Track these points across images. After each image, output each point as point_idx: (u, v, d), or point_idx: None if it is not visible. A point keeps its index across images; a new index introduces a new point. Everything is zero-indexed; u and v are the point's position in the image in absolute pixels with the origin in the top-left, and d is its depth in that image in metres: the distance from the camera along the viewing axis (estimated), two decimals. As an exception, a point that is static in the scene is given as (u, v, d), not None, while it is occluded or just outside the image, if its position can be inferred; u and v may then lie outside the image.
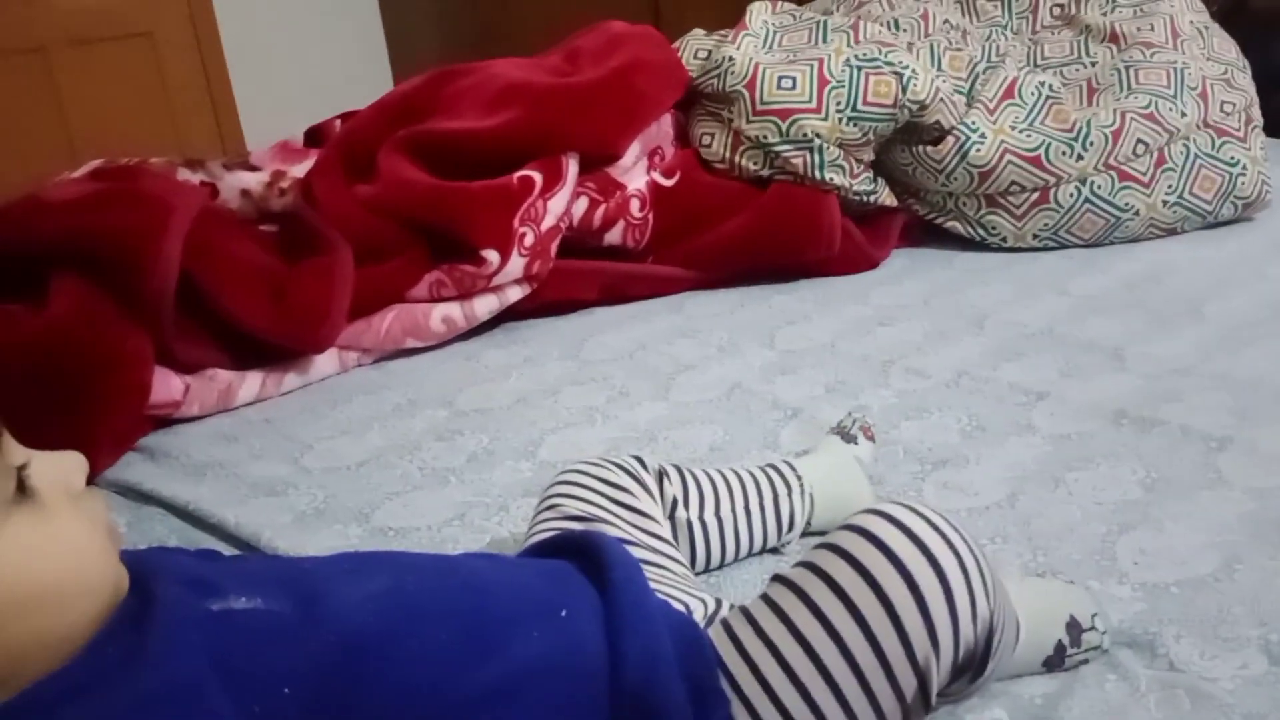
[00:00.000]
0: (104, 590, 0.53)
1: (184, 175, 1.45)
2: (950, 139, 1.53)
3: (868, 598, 0.59)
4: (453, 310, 1.38)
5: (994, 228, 1.58)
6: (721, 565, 0.87)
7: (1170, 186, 1.55)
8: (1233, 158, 1.57)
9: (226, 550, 0.92)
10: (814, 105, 1.52)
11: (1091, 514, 0.91)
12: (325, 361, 1.33)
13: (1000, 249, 1.58)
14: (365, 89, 1.91)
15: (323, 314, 1.29)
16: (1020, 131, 1.53)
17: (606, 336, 1.38)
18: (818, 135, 1.52)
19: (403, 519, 0.99)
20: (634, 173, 1.55)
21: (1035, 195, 1.54)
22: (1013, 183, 1.53)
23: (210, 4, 2.97)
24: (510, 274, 1.39)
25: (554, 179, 1.43)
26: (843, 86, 1.52)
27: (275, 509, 1.02)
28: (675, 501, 0.83)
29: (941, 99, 1.54)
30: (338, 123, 1.65)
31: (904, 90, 1.52)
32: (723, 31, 1.73)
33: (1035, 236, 1.57)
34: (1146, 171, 1.54)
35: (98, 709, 0.49)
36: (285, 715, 0.52)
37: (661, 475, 0.84)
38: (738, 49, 1.60)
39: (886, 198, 1.62)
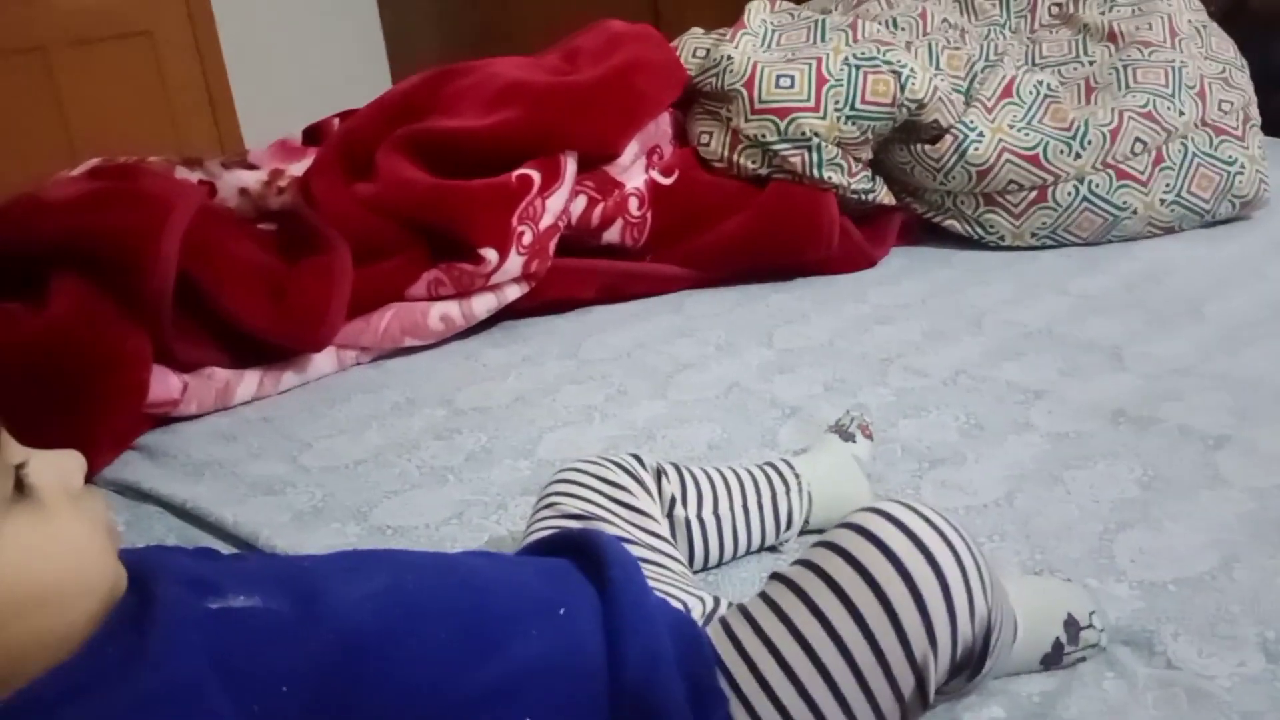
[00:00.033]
0: (103, 589, 0.53)
1: (182, 174, 1.45)
2: (948, 138, 1.53)
3: (866, 596, 0.59)
4: (451, 309, 1.38)
5: (992, 226, 1.58)
6: (720, 563, 0.87)
7: (1168, 185, 1.55)
8: (1231, 156, 1.57)
9: (225, 549, 0.92)
10: (812, 104, 1.52)
11: (1089, 512, 0.91)
12: (323, 360, 1.33)
13: (998, 247, 1.58)
14: (364, 89, 1.91)
15: (321, 313, 1.29)
16: (1018, 130, 1.53)
17: (605, 335, 1.38)
18: (816, 134, 1.52)
19: (401, 517, 0.99)
20: (632, 171, 1.55)
21: (1033, 194, 1.54)
22: (1011, 181, 1.53)
23: (208, 3, 2.97)
24: (508, 272, 1.39)
25: (552, 178, 1.43)
26: (841, 85, 1.52)
27: (273, 508, 1.02)
28: (673, 500, 0.83)
29: (940, 98, 1.54)
30: (336, 121, 1.65)
31: (902, 89, 1.52)
32: (721, 30, 1.73)
33: (1033, 235, 1.57)
34: (1144, 170, 1.54)
35: (97, 709, 0.49)
36: (285, 714, 0.52)
37: (660, 473, 0.84)
38: (736, 48, 1.60)
39: (885, 196, 1.62)
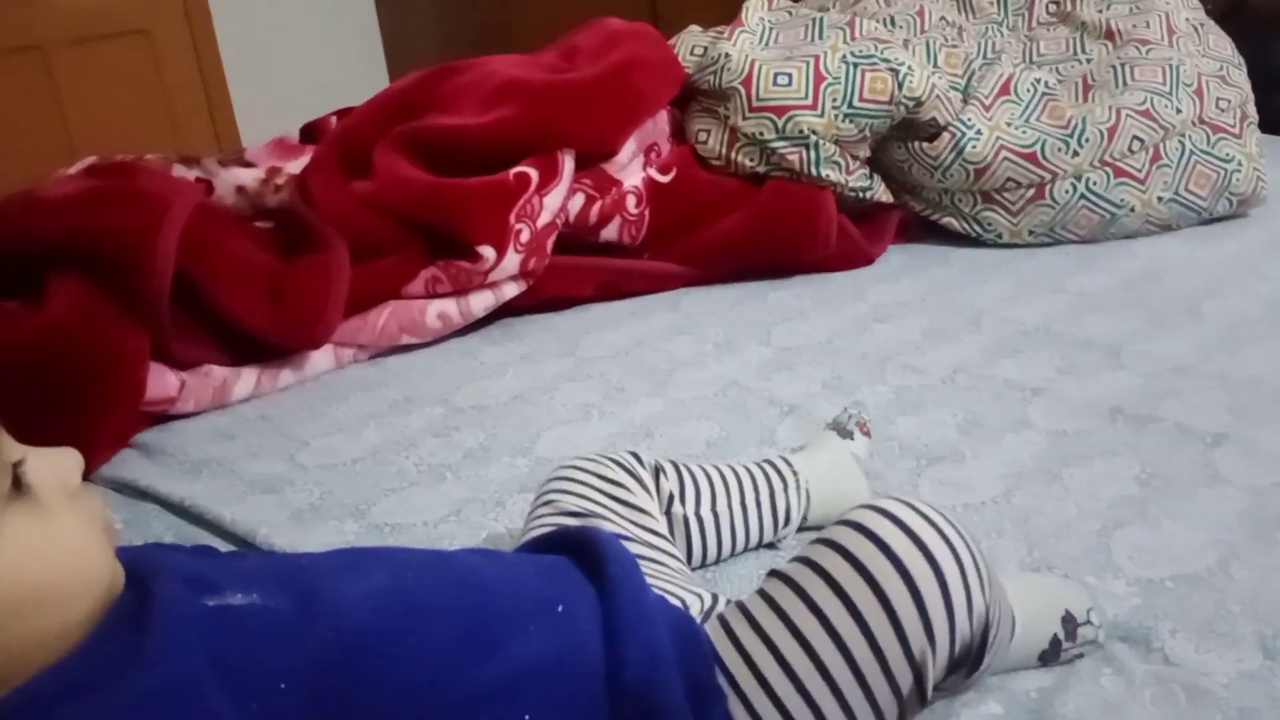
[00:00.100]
0: (101, 587, 0.53)
1: (179, 172, 1.45)
2: (946, 135, 1.53)
3: (864, 593, 0.59)
4: (449, 307, 1.38)
5: (990, 224, 1.58)
6: (718, 561, 0.87)
7: (1165, 183, 1.55)
8: (1228, 154, 1.57)
9: (223, 547, 0.92)
10: (810, 102, 1.52)
11: (1087, 510, 0.91)
12: (321, 358, 1.33)
13: (996, 245, 1.58)
14: (362, 87, 1.91)
15: (318, 311, 1.29)
16: (1016, 128, 1.53)
17: (603, 333, 1.38)
18: (814, 132, 1.52)
19: (399, 515, 0.99)
20: (630, 169, 1.55)
21: (1031, 191, 1.54)
22: (1008, 179, 1.54)
23: (205, 2, 2.97)
24: (506, 270, 1.38)
25: (550, 175, 1.43)
26: (839, 83, 1.52)
27: (272, 506, 1.02)
28: (672, 497, 0.83)
29: (937, 95, 1.54)
30: (333, 119, 1.65)
31: (900, 87, 1.52)
32: (719, 28, 1.73)
33: (1031, 233, 1.57)
34: (1142, 168, 1.55)
35: (96, 708, 0.49)
36: (283, 712, 0.52)
37: (658, 471, 0.84)
38: (734, 46, 1.60)
39: (883, 194, 1.62)
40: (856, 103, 1.52)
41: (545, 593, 0.63)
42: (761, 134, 1.53)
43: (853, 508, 0.63)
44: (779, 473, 0.90)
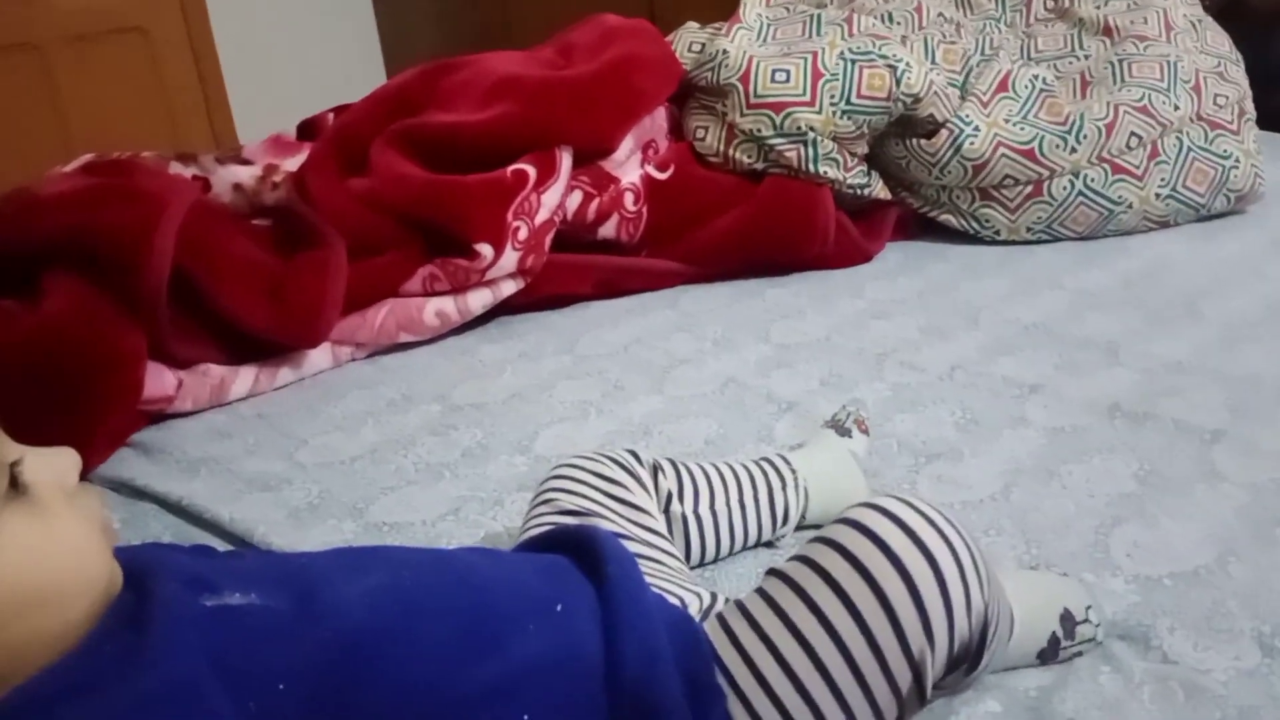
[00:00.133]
0: (99, 587, 0.53)
1: (176, 169, 1.45)
2: (944, 132, 1.53)
3: (863, 592, 0.59)
4: (446, 304, 1.38)
5: (988, 221, 1.58)
6: (716, 559, 0.87)
7: (1163, 179, 1.55)
8: (1226, 151, 1.57)
9: (221, 546, 0.92)
10: (808, 98, 1.52)
11: (1085, 507, 0.91)
12: (319, 356, 1.33)
13: (994, 242, 1.58)
14: (360, 85, 1.90)
15: (316, 309, 1.29)
16: (1014, 125, 1.53)
17: (601, 331, 1.38)
18: (812, 128, 1.52)
19: (397, 514, 0.99)
20: (628, 166, 1.54)
21: (1029, 188, 1.54)
22: (1006, 176, 1.53)
23: (203, 0, 2.96)
24: (504, 268, 1.38)
25: (548, 173, 1.43)
26: (837, 80, 1.52)
27: (270, 504, 1.02)
28: (670, 495, 0.83)
29: (935, 92, 1.54)
30: (330, 116, 1.64)
31: (898, 83, 1.52)
32: (717, 25, 1.73)
33: (1029, 229, 1.57)
34: (1140, 164, 1.55)
35: (96, 708, 0.49)
36: (282, 712, 0.52)
37: (656, 469, 0.84)
38: (732, 42, 1.60)
39: (880, 191, 1.62)
40: (854, 99, 1.52)
41: (544, 591, 0.63)
42: (759, 131, 1.53)
43: (851, 506, 0.63)
44: (777, 471, 0.90)
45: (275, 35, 3.13)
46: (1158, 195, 1.55)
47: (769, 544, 0.89)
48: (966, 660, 0.61)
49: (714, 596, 0.71)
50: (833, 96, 1.52)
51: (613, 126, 1.51)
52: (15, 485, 0.51)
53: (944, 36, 1.71)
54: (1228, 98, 1.61)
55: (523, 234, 1.39)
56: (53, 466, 0.54)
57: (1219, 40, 1.72)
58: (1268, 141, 1.72)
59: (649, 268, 1.52)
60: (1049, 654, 0.72)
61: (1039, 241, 1.58)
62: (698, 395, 1.18)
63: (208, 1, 2.97)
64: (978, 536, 0.86)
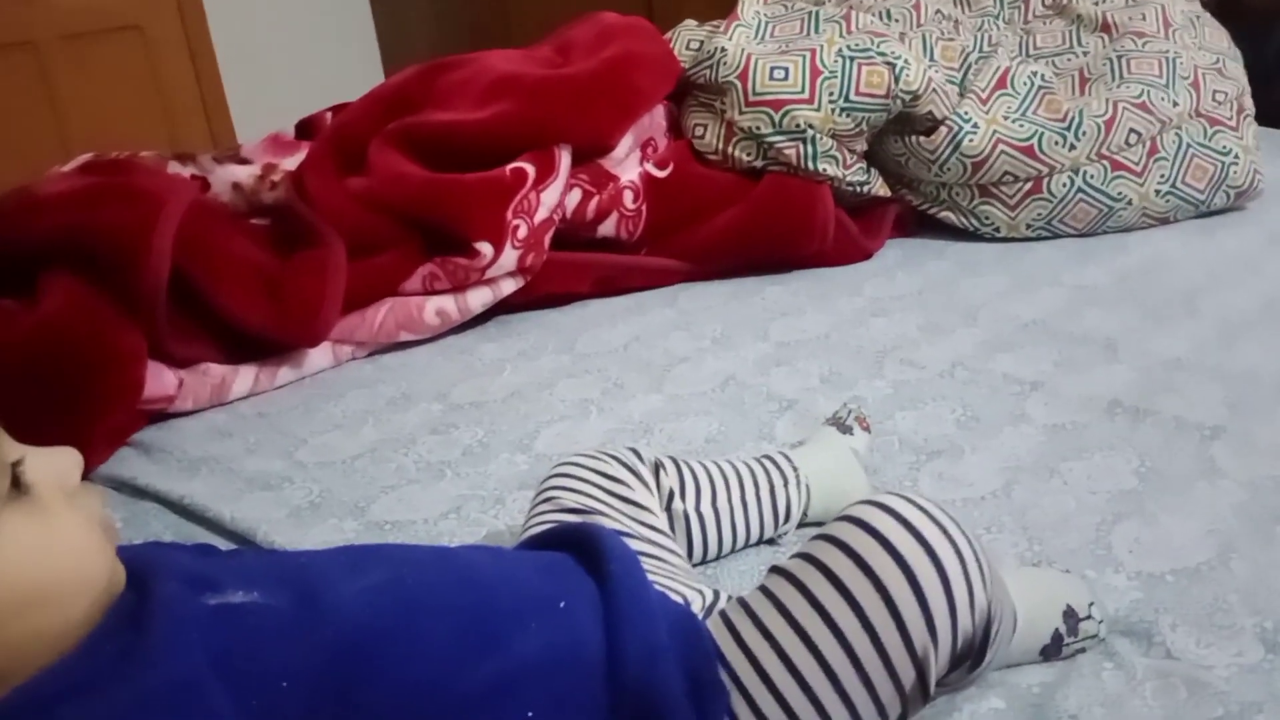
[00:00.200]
0: (101, 587, 0.53)
1: (175, 168, 1.44)
2: (943, 129, 1.53)
3: (865, 589, 0.59)
4: (446, 303, 1.38)
5: (987, 218, 1.58)
6: (718, 557, 0.87)
7: (1163, 176, 1.55)
8: (1225, 147, 1.57)
9: (223, 545, 0.92)
10: (806, 96, 1.52)
11: (1086, 504, 0.91)
12: (319, 355, 1.33)
13: (993, 239, 1.59)
14: (358, 84, 1.90)
15: (315, 308, 1.29)
16: (1013, 121, 1.53)
17: (601, 329, 1.38)
18: (810, 126, 1.51)
19: (398, 513, 0.99)
20: (627, 164, 1.54)
21: (1028, 185, 1.54)
22: (1005, 173, 1.54)
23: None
24: (503, 266, 1.38)
25: (547, 171, 1.43)
26: (835, 77, 1.52)
27: (270, 503, 1.01)
28: (671, 493, 0.83)
29: (934, 89, 1.54)
30: (329, 115, 1.64)
31: (896, 80, 1.52)
32: (715, 22, 1.72)
33: (1028, 226, 1.57)
34: (1139, 161, 1.55)
35: (96, 708, 0.49)
36: (285, 710, 0.52)
37: (657, 467, 0.84)
38: (730, 40, 1.60)
39: (880, 188, 1.62)
40: (853, 96, 1.52)
41: (546, 589, 0.63)
42: (758, 128, 1.53)
43: (853, 503, 0.63)
44: (779, 468, 0.90)
45: (273, 34, 3.13)
46: (1157, 192, 1.55)
47: (771, 541, 0.89)
48: (970, 657, 0.61)
49: (716, 594, 0.71)
50: (831, 94, 1.52)
51: (611, 125, 1.51)
52: (17, 485, 0.51)
53: (942, 33, 1.71)
54: (1226, 94, 1.61)
55: (522, 232, 1.39)
56: (54, 466, 0.53)
57: (1217, 36, 1.72)
58: (1266, 137, 1.72)
59: (648, 266, 1.52)
60: (1052, 651, 0.73)
61: (1038, 238, 1.58)
62: (698, 393, 1.18)
63: (205, 0, 2.96)
64: (979, 534, 0.86)
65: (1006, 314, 1.32)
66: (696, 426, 1.10)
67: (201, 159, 1.48)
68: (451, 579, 0.63)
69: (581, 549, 0.67)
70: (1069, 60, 1.68)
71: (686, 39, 1.68)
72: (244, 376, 1.27)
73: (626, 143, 1.54)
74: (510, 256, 1.38)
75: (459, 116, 1.46)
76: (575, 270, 1.48)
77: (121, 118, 2.83)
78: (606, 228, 1.51)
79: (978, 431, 1.04)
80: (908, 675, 0.58)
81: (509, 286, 1.41)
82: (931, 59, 1.63)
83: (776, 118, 1.52)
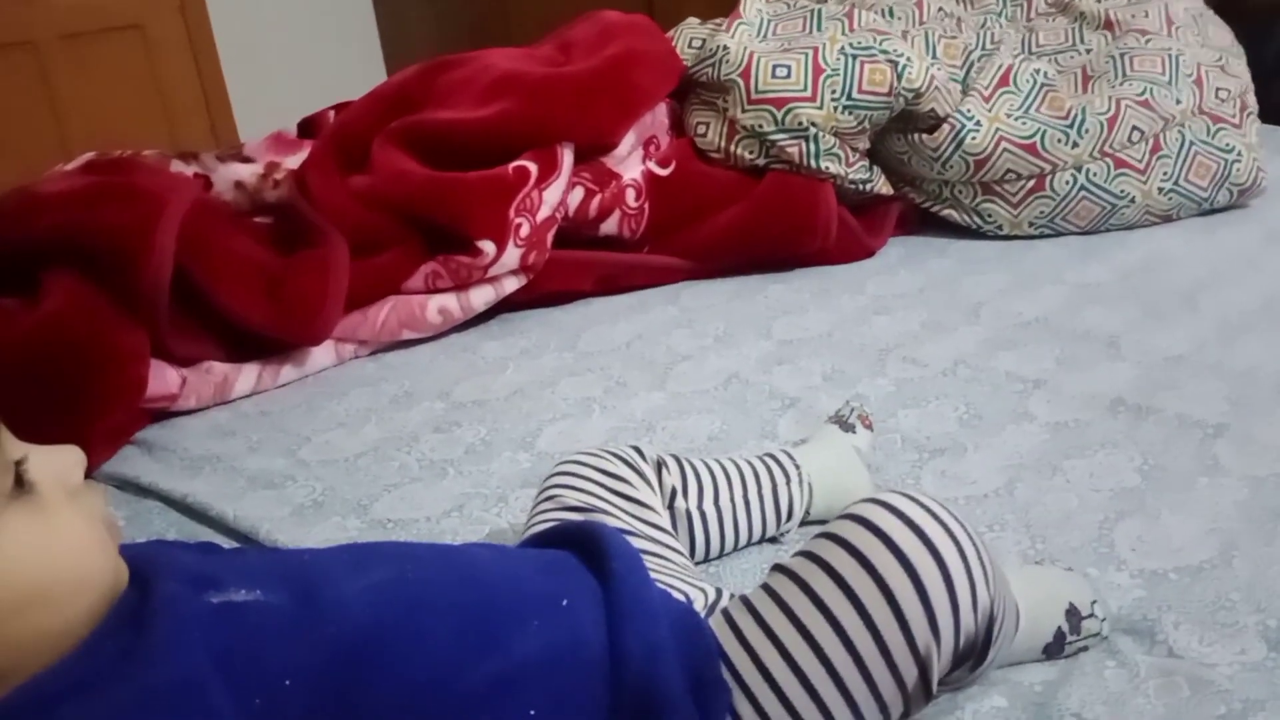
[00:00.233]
0: (103, 585, 0.53)
1: (177, 167, 1.45)
2: (946, 127, 1.53)
3: (868, 587, 0.59)
4: (449, 302, 1.38)
5: (990, 215, 1.58)
6: (721, 555, 0.87)
7: (1166, 173, 1.55)
8: (1228, 144, 1.57)
9: (225, 543, 0.92)
10: (809, 94, 1.51)
11: (1089, 502, 0.91)
12: (321, 354, 1.33)
13: (996, 237, 1.58)
14: (360, 83, 1.90)
15: (317, 307, 1.29)
16: (1015, 119, 1.53)
17: (603, 327, 1.38)
18: (813, 124, 1.51)
19: (401, 511, 0.99)
20: (629, 162, 1.54)
21: (1031, 183, 1.54)
22: (1008, 170, 1.53)
23: (202, -1, 2.97)
24: (506, 265, 1.38)
25: (549, 169, 1.43)
26: (838, 75, 1.52)
27: (273, 502, 1.02)
28: (674, 491, 0.83)
29: (937, 87, 1.54)
30: (331, 114, 1.64)
31: (899, 78, 1.52)
32: (717, 20, 1.72)
33: (1031, 224, 1.57)
34: (1142, 159, 1.54)
35: (97, 707, 0.49)
36: (287, 708, 0.52)
37: (660, 465, 0.84)
38: (732, 38, 1.60)
39: (882, 186, 1.62)
40: (855, 94, 1.52)
41: (548, 587, 0.63)
42: (760, 126, 1.53)
43: (855, 501, 0.63)
44: (781, 467, 0.90)
45: (275, 33, 3.13)
46: (1160, 189, 1.55)
47: (773, 539, 0.89)
48: (972, 656, 0.61)
49: (719, 592, 0.71)
50: (834, 92, 1.51)
51: (613, 123, 1.51)
52: (20, 483, 0.51)
53: (945, 31, 1.70)
54: (1229, 91, 1.61)
55: (524, 230, 1.39)
56: (57, 465, 0.54)
57: (1220, 34, 1.72)
58: (1269, 135, 1.72)
59: (651, 264, 1.52)
60: (1054, 649, 0.72)
61: (1040, 236, 1.57)
62: (700, 391, 1.18)
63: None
64: (982, 531, 0.86)
65: (1009, 312, 1.32)
66: (699, 425, 1.10)
67: (204, 158, 1.48)
68: (453, 577, 0.63)
69: (584, 547, 0.67)
70: (1072, 58, 1.68)
71: (689, 37, 1.68)
72: (246, 375, 1.27)
73: (629, 141, 1.54)
74: (513, 255, 1.38)
75: (461, 115, 1.46)
76: (578, 268, 1.48)
77: (122, 117, 2.83)
78: (609, 226, 1.51)
79: (980, 429, 1.04)
80: (910, 673, 0.58)
81: (511, 285, 1.41)
82: (934, 57, 1.63)
83: (779, 116, 1.52)
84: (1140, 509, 0.89)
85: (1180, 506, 0.89)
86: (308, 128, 1.64)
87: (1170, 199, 1.56)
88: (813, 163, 1.53)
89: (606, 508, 0.77)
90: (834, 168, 1.54)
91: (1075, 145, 1.52)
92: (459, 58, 1.59)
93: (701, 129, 1.60)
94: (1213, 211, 1.60)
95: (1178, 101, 1.56)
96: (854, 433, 0.98)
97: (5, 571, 0.49)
